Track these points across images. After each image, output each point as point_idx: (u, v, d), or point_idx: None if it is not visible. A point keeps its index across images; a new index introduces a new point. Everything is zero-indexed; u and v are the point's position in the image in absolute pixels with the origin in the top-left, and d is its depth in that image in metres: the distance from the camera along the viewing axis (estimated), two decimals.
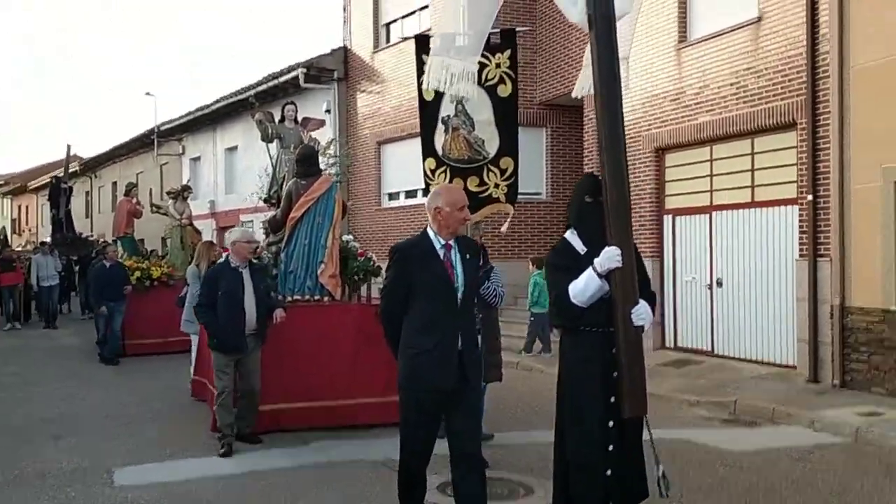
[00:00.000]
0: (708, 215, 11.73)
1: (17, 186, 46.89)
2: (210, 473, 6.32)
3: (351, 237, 9.71)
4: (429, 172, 7.78)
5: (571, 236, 4.66)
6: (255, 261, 7.78)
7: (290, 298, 8.13)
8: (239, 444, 6.99)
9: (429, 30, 15.83)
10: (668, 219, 12.51)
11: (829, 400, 8.90)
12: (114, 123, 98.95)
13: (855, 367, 9.36)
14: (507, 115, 7.63)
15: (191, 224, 15.70)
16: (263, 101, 21.07)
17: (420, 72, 7.43)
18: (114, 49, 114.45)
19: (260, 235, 9.85)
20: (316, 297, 8.23)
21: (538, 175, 16.00)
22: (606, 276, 4.36)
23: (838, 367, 9.49)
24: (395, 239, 11.75)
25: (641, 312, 4.34)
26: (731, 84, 11.04)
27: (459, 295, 4.56)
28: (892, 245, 8.89)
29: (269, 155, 10.37)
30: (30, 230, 44.41)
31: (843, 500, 5.66)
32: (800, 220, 10.11)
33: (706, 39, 11.51)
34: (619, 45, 4.79)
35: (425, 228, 4.71)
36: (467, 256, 4.66)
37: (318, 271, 8.24)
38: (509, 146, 7.62)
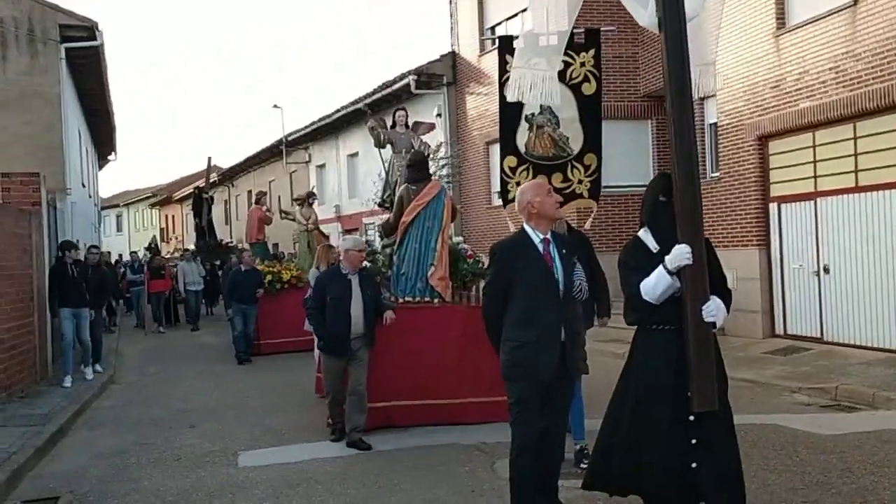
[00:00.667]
0: (813, 202, 11.72)
1: (164, 197, 50.34)
2: (320, 455, 7.10)
3: (461, 239, 10.08)
4: (508, 171, 7.80)
5: (644, 235, 4.74)
6: (366, 265, 8.10)
7: (401, 300, 8.35)
8: None
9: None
10: (773, 207, 12.53)
11: None
12: (246, 134, 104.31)
13: None
14: (590, 113, 7.71)
15: (317, 228, 16.47)
16: (379, 109, 22.15)
17: (503, 72, 7.61)
18: (240, 62, 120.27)
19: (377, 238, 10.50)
20: (426, 299, 8.43)
21: (645, 166, 16.22)
22: (678, 273, 4.42)
23: None
24: (506, 235, 12.31)
25: (712, 309, 4.39)
26: (830, 69, 11.02)
27: (561, 286, 4.69)
28: None
29: (382, 160, 10.78)
30: (176, 238, 47.51)
31: None
32: None
33: (803, 25, 11.50)
34: (703, 50, 5.09)
35: (522, 226, 4.86)
36: (563, 251, 4.81)
37: (428, 273, 8.45)
38: (593, 143, 7.72)
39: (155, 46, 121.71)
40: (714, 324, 4.43)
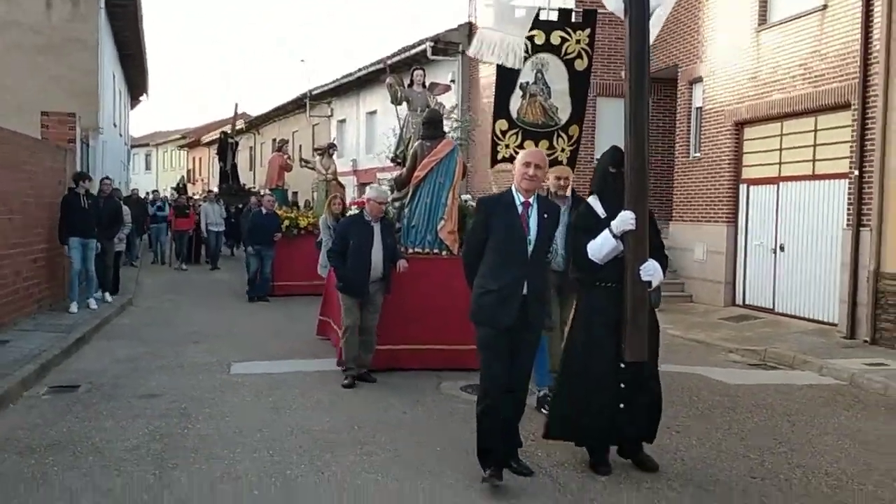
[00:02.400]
0: (776, 186, 12.75)
1: (192, 140, 51.61)
2: (301, 370, 8.41)
3: (469, 196, 10.64)
4: (499, 133, 8.17)
5: (594, 201, 5.31)
6: (386, 216, 8.37)
7: (411, 251, 8.67)
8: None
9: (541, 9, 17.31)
10: (743, 188, 13.57)
11: (850, 353, 9.97)
12: (274, 85, 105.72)
13: (885, 327, 10.34)
14: (580, 87, 8.18)
15: (335, 179, 16.82)
16: (397, 71, 23.18)
17: None
18: (272, 17, 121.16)
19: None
20: (435, 251, 8.74)
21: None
22: (621, 237, 4.99)
23: (870, 326, 10.50)
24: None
25: (649, 269, 4.98)
26: (799, 65, 11.97)
27: (530, 247, 4.94)
28: None
29: (398, 116, 11.03)
30: (202, 180, 48.83)
31: (791, 420, 6.96)
32: (848, 193, 11.06)
33: (781, 24, 12.43)
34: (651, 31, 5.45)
35: (511, 186, 5.15)
36: (545, 215, 5.04)
37: (438, 227, 8.75)
38: (578, 115, 8.23)
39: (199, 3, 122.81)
40: (650, 283, 5.05)
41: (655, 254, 5.15)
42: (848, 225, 11.02)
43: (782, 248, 12.61)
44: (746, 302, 13.43)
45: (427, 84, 10.97)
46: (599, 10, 7.92)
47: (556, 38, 7.99)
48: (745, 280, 13.54)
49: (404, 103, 10.77)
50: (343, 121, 28.97)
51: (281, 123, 35.32)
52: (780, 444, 6.17)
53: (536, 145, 7.95)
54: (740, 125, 13.51)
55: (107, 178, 14.07)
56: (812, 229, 11.99)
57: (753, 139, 13.32)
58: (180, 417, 6.46)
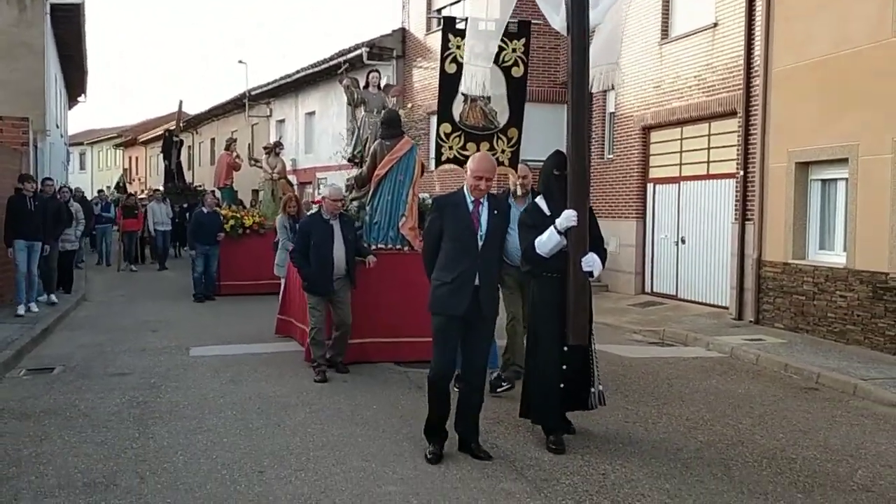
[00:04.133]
0: (677, 185, 14.23)
1: (129, 139, 51.51)
2: (254, 351, 9.46)
3: (427, 195, 10.43)
4: (443, 135, 8.58)
5: (540, 201, 5.83)
6: (346, 213, 8.68)
7: (374, 247, 8.99)
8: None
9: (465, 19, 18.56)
10: (650, 186, 15.03)
11: (736, 331, 11.44)
12: (212, 86, 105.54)
13: (766, 308, 11.86)
14: (517, 93, 8.58)
15: (283, 177, 16.90)
16: (334, 73, 24.16)
17: (444, 48, 8.43)
18: (207, 17, 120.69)
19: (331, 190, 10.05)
20: (397, 247, 9.12)
21: (560, 144, 18.42)
22: (565, 233, 5.46)
23: (754, 308, 12.01)
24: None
25: (589, 261, 5.48)
26: (695, 76, 13.44)
27: (481, 242, 5.39)
28: (792, 211, 11.31)
29: (354, 118, 11.06)
30: (139, 179, 48.84)
31: (670, 383, 8.31)
32: (735, 191, 12.56)
33: (679, 38, 13.89)
34: (610, 51, 6.29)
35: (463, 186, 5.58)
36: (495, 212, 5.49)
37: (400, 223, 9.10)
38: (517, 119, 8.64)
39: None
40: (591, 273, 5.54)
41: (597, 248, 5.68)
42: (735, 219, 12.53)
43: (683, 241, 14.10)
44: (654, 290, 14.90)
45: (382, 85, 11.16)
46: (533, 21, 8.46)
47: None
48: (652, 270, 15.00)
49: (360, 104, 10.88)
50: (282, 121, 29.81)
51: (220, 123, 35.90)
52: (656, 399, 7.52)
53: (478, 147, 8.43)
54: (647, 129, 14.96)
55: (48, 178, 14.18)
56: (708, 223, 13.50)
57: (658, 142, 14.79)
58: (151, 389, 7.51)
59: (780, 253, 11.53)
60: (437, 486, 5.02)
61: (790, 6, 11.33)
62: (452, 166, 8.64)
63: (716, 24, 12.98)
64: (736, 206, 12.54)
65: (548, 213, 5.72)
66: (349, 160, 10.96)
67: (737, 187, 12.49)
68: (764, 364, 9.47)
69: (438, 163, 8.56)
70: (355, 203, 9.71)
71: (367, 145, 9.95)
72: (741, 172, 12.28)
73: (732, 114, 12.62)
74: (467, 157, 8.21)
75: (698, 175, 13.70)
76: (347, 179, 10.61)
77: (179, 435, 6.03)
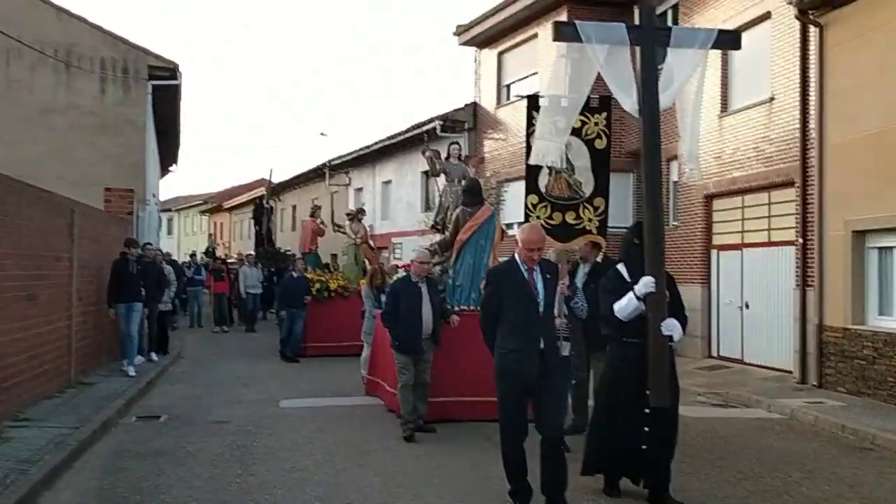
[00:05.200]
0: (740, 251, 14.69)
1: (214, 206, 54.01)
2: (340, 404, 10.31)
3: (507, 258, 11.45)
4: (530, 206, 9.10)
5: (621, 267, 6.18)
6: (431, 276, 9.07)
7: (457, 308, 9.24)
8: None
9: (535, 93, 19.56)
10: (714, 253, 15.51)
11: (797, 394, 11.75)
12: (294, 156, 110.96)
13: (828, 372, 12.14)
14: (601, 164, 9.09)
15: (365, 242, 17.45)
16: (410, 145, 25.43)
17: (529, 124, 8.94)
18: (290, 92, 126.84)
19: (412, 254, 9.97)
20: (479, 308, 8.42)
21: (625, 212, 19.14)
22: (644, 298, 5.72)
23: (817, 372, 12.31)
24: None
25: (670, 325, 5.68)
26: (753, 148, 14.02)
27: (541, 307, 5.60)
28: (850, 277, 11.69)
29: (437, 187, 11.69)
30: (223, 244, 50.93)
31: (726, 441, 8.77)
32: (795, 258, 12.99)
33: (738, 111, 14.52)
34: (692, 146, 6.79)
35: (514, 255, 5.83)
36: (547, 276, 5.70)
37: (481, 286, 8.87)
38: (602, 189, 9.13)
39: (222, 75, 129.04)
40: (671, 337, 5.74)
41: (677, 313, 5.97)
42: (797, 285, 12.92)
43: (748, 306, 14.49)
44: (720, 354, 15.23)
45: (462, 156, 11.78)
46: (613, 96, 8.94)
47: (576, 121, 8.48)
48: (718, 334, 15.37)
49: (442, 174, 11.39)
50: (360, 189, 31.19)
51: (301, 191, 37.60)
52: (710, 454, 8.02)
53: (564, 216, 9.01)
54: (709, 198, 15.51)
55: (148, 243, 15.33)
56: (771, 289, 13.89)
57: (721, 210, 15.31)
58: (247, 435, 8.38)
59: (840, 318, 11.87)
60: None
61: (841, 82, 11.90)
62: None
63: (772, 99, 13.59)
64: (796, 272, 12.94)
65: (628, 279, 6.00)
66: (432, 226, 11.46)
67: (797, 254, 12.92)
68: (822, 425, 9.81)
69: None
70: (438, 267, 10.07)
71: (449, 213, 10.40)
72: (800, 240, 12.73)
73: (790, 184, 13.12)
74: (553, 226, 9.01)
75: (760, 242, 14.16)
76: (431, 245, 10.95)
77: (276, 473, 6.84)
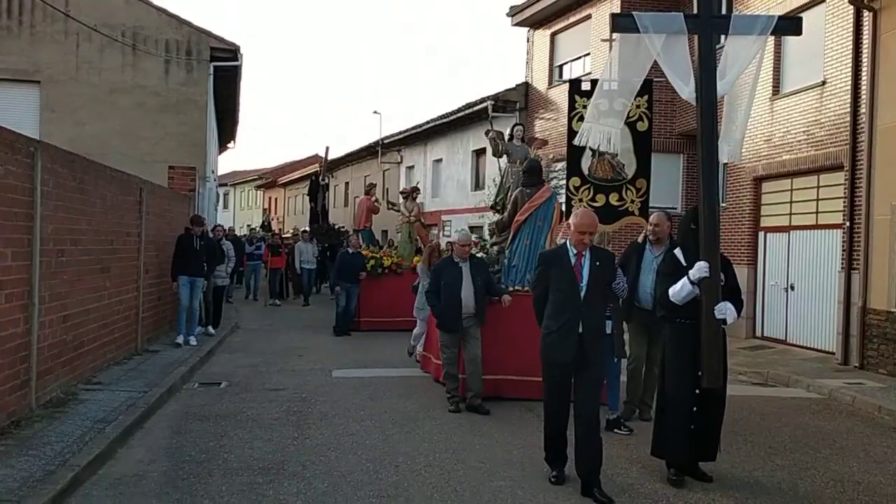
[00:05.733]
0: (787, 234, 14.77)
1: (269, 181, 55.13)
2: (390, 375, 10.81)
3: (564, 240, 11.52)
4: (572, 189, 9.33)
5: (677, 252, 6.31)
6: (478, 256, 9.24)
7: (511, 288, 9.33)
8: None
9: (586, 74, 19.71)
10: (761, 234, 15.60)
11: (838, 375, 11.89)
12: (347, 133, 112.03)
13: (870, 354, 12.25)
14: (643, 146, 9.30)
15: (418, 220, 17.70)
16: (461, 125, 25.75)
17: (571, 108, 9.27)
18: (346, 67, 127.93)
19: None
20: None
21: (675, 192, 19.30)
22: (698, 282, 5.83)
23: (859, 354, 12.42)
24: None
25: (723, 308, 5.77)
26: (804, 131, 14.06)
27: (582, 292, 5.81)
28: (894, 261, 11.75)
29: (499, 167, 11.89)
30: (277, 219, 51.98)
31: (761, 418, 9.02)
32: (842, 241, 13.06)
33: (789, 95, 14.54)
34: (737, 127, 6.75)
35: (565, 240, 6.06)
36: (597, 263, 5.88)
37: None
38: (644, 170, 9.36)
39: (280, 51, 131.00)
40: (725, 321, 5.85)
41: (732, 296, 6.06)
42: (842, 268, 13.00)
43: (792, 288, 14.59)
44: (764, 334, 15.38)
45: (525, 138, 11.98)
46: (654, 80, 8.74)
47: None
48: (763, 315, 15.50)
49: (504, 155, 11.61)
50: (411, 167, 31.65)
51: (354, 168, 38.24)
52: (745, 430, 8.29)
53: (607, 198, 9.23)
54: (758, 180, 15.58)
55: (219, 225, 15.94)
56: (816, 271, 13.98)
57: (769, 192, 15.38)
58: (303, 402, 8.92)
59: (884, 301, 11.96)
60: (540, 484, 6.08)
61: (893, 67, 11.89)
62: None
63: (824, 83, 13.59)
64: (842, 255, 13.02)
65: (684, 263, 6.11)
66: (492, 206, 11.59)
67: (843, 238, 12.99)
68: (859, 406, 9.99)
69: (569, 215, 8.91)
70: (496, 247, 10.21)
71: (509, 193, 10.51)
72: (847, 223, 12.79)
73: (839, 167, 13.17)
74: (597, 209, 9.02)
75: (807, 225, 14.23)
76: (489, 224, 11.12)
77: (330, 437, 7.35)
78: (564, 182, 9.76)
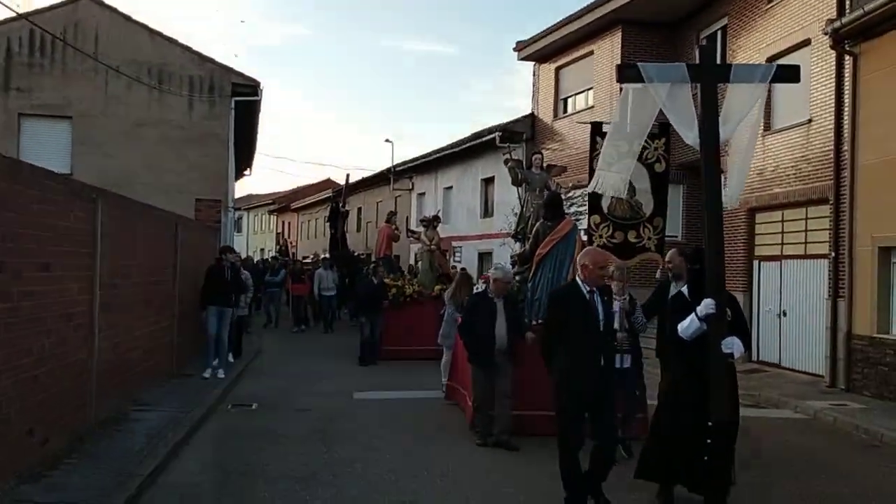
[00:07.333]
0: (779, 262, 15.65)
1: (282, 206, 56.22)
2: (408, 397, 11.68)
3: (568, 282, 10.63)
4: (593, 225, 9.63)
5: (684, 289, 6.57)
6: (511, 292, 9.19)
7: (535, 322, 9.25)
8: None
9: (590, 107, 20.69)
10: (756, 263, 16.48)
11: (825, 397, 12.72)
12: (360, 161, 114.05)
13: (856, 377, 13.09)
14: (660, 186, 9.63)
15: (438, 249, 17.72)
16: (471, 154, 26.74)
17: (592, 149, 9.49)
18: (357, 99, 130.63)
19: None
20: None
21: (676, 222, 20.20)
22: (705, 319, 5.89)
23: (845, 377, 13.26)
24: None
25: (729, 343, 5.81)
26: (792, 166, 14.98)
27: (602, 327, 6.08)
28: (876, 290, 12.62)
29: (518, 196, 11.98)
30: (291, 243, 53.01)
31: (748, 436, 9.85)
32: (828, 271, 13.93)
33: (779, 131, 15.47)
34: (740, 179, 6.98)
35: (575, 278, 6.26)
36: (605, 298, 6.17)
37: None
38: (660, 209, 9.69)
39: (295, 83, 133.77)
40: (732, 354, 5.90)
41: (739, 332, 6.06)
42: (829, 296, 13.87)
43: (785, 314, 15.44)
44: (760, 358, 16.19)
45: (544, 166, 11.96)
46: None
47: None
48: (758, 340, 16.33)
49: (523, 184, 11.61)
50: (423, 194, 32.67)
51: (366, 194, 39.27)
52: None
53: (626, 235, 9.61)
54: (752, 212, 16.47)
55: (232, 250, 15.64)
56: (806, 299, 14.85)
57: (762, 223, 16.27)
58: (328, 420, 9.84)
59: (867, 327, 12.81)
60: (545, 490, 6.95)
61: (873, 108, 12.82)
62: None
63: (810, 121, 14.52)
64: (829, 284, 13.88)
65: (690, 300, 6.27)
66: (513, 237, 11.85)
67: (829, 267, 13.86)
68: (840, 425, 10.82)
69: None
70: (518, 277, 10.24)
71: (530, 222, 10.77)
72: (832, 254, 13.67)
73: (825, 201, 14.06)
74: (616, 245, 9.73)
75: (797, 254, 15.11)
76: (512, 256, 11.35)
77: (355, 451, 8.26)
78: (582, 209, 10.01)
